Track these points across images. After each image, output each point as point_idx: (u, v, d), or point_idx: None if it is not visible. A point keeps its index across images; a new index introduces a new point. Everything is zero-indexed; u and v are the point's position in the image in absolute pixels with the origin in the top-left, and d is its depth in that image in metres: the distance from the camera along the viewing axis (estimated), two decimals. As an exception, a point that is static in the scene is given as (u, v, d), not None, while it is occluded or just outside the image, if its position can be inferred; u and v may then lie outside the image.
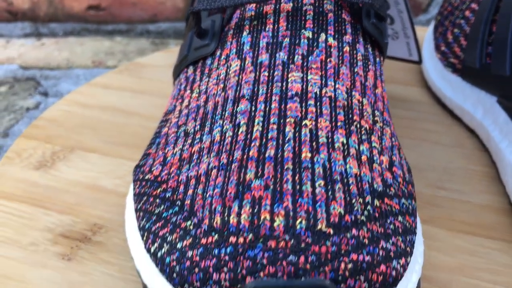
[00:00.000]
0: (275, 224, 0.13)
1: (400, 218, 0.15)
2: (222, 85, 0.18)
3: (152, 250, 0.15)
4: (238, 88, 0.17)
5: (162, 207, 0.16)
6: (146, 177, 0.18)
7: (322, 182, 0.14)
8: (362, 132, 0.16)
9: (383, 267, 0.13)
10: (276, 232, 0.13)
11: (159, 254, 0.15)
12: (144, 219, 0.16)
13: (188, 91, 0.19)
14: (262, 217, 0.13)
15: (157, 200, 0.16)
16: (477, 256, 0.20)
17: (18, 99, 0.37)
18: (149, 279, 0.15)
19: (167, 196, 0.16)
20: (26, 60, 0.42)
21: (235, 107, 0.16)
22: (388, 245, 0.14)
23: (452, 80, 0.29)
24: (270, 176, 0.14)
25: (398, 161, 0.17)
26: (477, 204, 0.23)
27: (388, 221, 0.14)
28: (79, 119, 0.30)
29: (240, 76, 0.17)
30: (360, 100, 0.17)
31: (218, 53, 0.19)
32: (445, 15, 0.32)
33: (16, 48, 0.44)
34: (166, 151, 0.18)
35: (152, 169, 0.18)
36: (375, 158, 0.16)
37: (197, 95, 0.19)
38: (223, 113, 0.16)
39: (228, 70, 0.18)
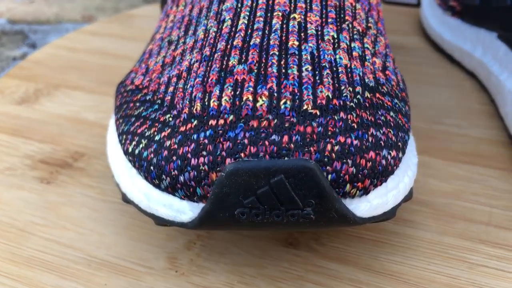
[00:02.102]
0: (258, 104, 0.12)
1: (392, 113, 0.14)
2: None
3: (130, 149, 0.14)
4: None
5: (142, 108, 0.15)
6: (128, 88, 0.17)
7: (309, 67, 0.13)
8: (354, 32, 0.15)
9: (372, 153, 0.12)
10: (258, 112, 0.12)
11: (136, 151, 0.14)
12: (123, 124, 0.15)
13: (174, 8, 0.18)
14: (244, 98, 0.12)
15: (137, 104, 0.15)
16: (473, 182, 0.19)
17: (5, 50, 0.36)
18: (126, 184, 0.14)
19: (147, 98, 0.15)
20: (15, 14, 0.41)
21: (221, 6, 0.15)
22: (378, 133, 0.13)
23: (452, 23, 0.28)
24: (255, 61, 0.13)
25: (392, 68, 0.16)
26: (474, 136, 0.22)
27: (380, 112, 0.13)
28: (65, 61, 0.29)
29: None
30: (353, 4, 0.16)
31: None
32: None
33: (5, 4, 0.43)
34: (148, 62, 0.17)
35: (134, 81, 0.17)
36: (367, 57, 0.15)
37: (183, 7, 0.18)
38: (208, 13, 0.16)
39: None
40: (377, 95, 0.14)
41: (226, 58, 0.13)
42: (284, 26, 0.14)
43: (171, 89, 0.14)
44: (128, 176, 0.14)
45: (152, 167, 0.13)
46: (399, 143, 0.13)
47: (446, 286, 0.15)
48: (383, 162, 0.13)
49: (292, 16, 0.14)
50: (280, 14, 0.14)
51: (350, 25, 0.15)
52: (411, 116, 0.23)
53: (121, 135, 0.15)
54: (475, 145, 0.21)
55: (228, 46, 0.14)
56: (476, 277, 0.15)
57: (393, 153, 0.13)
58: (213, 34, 0.15)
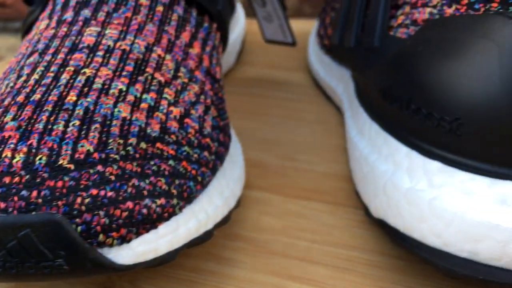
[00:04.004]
0: (14, 161, 0.13)
1: (171, 162, 0.15)
2: (27, 45, 0.17)
3: None
4: (36, 44, 0.17)
5: None
6: None
7: (77, 122, 0.14)
8: (153, 83, 0.16)
9: (129, 203, 0.13)
10: (13, 168, 0.13)
11: None
12: None
13: (14, 58, 0.19)
14: (3, 155, 0.13)
15: None
16: (303, 218, 0.20)
17: None
18: None
19: None
20: None
21: (26, 61, 0.16)
22: (142, 183, 0.14)
23: (325, 60, 0.30)
24: (25, 118, 0.14)
25: (198, 116, 0.17)
26: (320, 172, 0.23)
27: (152, 162, 0.14)
28: None
29: (43, 34, 0.17)
30: (162, 56, 0.17)
31: (40, 17, 0.19)
32: (328, 2, 0.33)
33: None
34: None
35: None
36: (161, 108, 0.16)
37: (15, 58, 0.18)
38: (15, 67, 0.16)
39: (37, 31, 0.18)
40: (158, 144, 0.15)
41: (5, 115, 0.14)
42: (71, 81, 0.15)
43: None
44: None
45: None
46: (173, 191, 0.14)
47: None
48: (144, 211, 0.13)
49: (83, 71, 0.15)
50: (72, 69, 0.15)
51: (150, 77, 0.16)
52: (270, 152, 0.24)
53: None
54: (319, 181, 0.22)
55: (12, 102, 0.14)
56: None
57: (160, 201, 0.14)
58: (8, 89, 0.15)
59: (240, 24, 0.34)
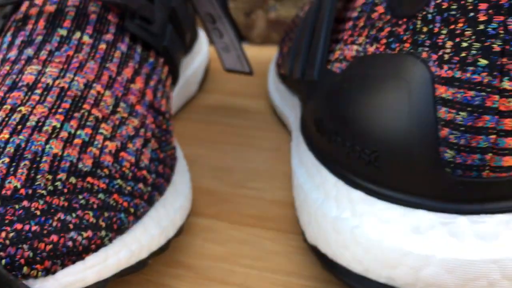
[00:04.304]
0: None
1: (101, 195, 0.15)
2: None
3: None
4: None
5: None
6: None
7: (7, 160, 0.15)
8: (89, 119, 0.17)
9: (54, 237, 0.14)
10: None
11: None
12: None
13: None
14: None
15: None
16: (245, 244, 0.21)
17: None
18: None
19: None
20: None
21: None
22: (68, 217, 0.14)
23: (281, 89, 0.31)
24: None
25: (135, 149, 0.18)
26: (267, 199, 0.24)
27: (80, 197, 0.15)
28: None
29: None
30: (101, 92, 0.18)
31: None
32: (287, 32, 0.34)
33: None
34: None
35: None
36: (95, 143, 0.16)
37: None
38: None
39: None
40: (88, 179, 0.15)
41: None
42: (6, 119, 0.16)
43: None
44: None
45: None
46: (102, 223, 0.15)
47: None
48: (69, 243, 0.14)
49: (19, 109, 0.16)
50: (9, 107, 0.16)
51: (87, 113, 0.17)
52: (222, 180, 0.25)
53: None
54: (265, 208, 0.23)
55: None
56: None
57: (87, 233, 0.15)
58: None
59: (202, 53, 0.35)
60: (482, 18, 0.14)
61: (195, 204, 0.23)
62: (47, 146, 0.15)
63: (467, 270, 0.15)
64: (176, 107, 0.32)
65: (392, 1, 0.18)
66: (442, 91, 0.15)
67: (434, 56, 0.15)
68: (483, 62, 0.14)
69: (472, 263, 0.15)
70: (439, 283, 0.15)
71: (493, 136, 0.14)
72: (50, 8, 0.20)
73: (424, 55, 0.15)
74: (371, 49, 0.18)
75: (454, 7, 0.14)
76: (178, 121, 0.31)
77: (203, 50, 0.36)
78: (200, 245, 0.21)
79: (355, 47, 0.19)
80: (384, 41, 0.17)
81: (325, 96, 0.19)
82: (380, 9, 0.19)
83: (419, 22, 0.15)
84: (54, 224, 0.14)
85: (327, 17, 0.23)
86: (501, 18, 0.14)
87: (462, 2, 0.14)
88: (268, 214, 0.22)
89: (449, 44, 0.14)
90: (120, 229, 0.16)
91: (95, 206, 0.15)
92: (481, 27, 0.14)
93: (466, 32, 0.14)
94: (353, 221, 0.16)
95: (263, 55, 0.42)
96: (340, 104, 0.18)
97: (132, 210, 0.16)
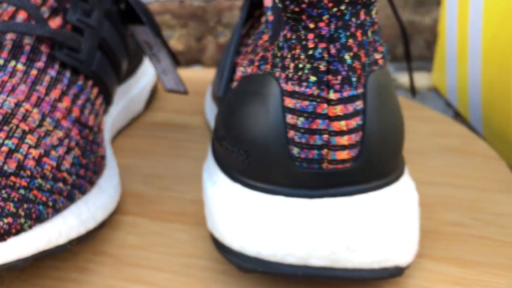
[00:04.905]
0: None
1: (22, 191, 0.19)
2: None
3: None
4: None
5: None
6: None
7: None
8: (16, 131, 0.21)
9: None
10: None
11: None
12: None
13: None
14: None
15: None
16: (161, 236, 0.24)
17: None
18: None
19: None
20: None
21: None
22: (5, 206, 0.18)
23: (213, 106, 0.35)
24: None
25: (58, 156, 0.21)
26: (188, 199, 0.27)
27: (3, 191, 0.19)
28: None
29: None
30: (30, 109, 0.22)
31: None
32: (224, 53, 0.39)
33: None
34: None
35: None
36: (21, 150, 0.20)
37: None
38: None
39: None
40: (11, 178, 0.19)
41: None
42: None
43: None
44: None
45: None
46: (21, 212, 0.19)
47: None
48: None
49: None
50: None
51: (15, 127, 0.21)
52: (151, 184, 0.29)
53: None
54: (185, 206, 0.27)
55: None
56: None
57: (8, 220, 0.18)
58: None
59: (147, 76, 0.39)
60: (310, 45, 0.18)
61: (123, 204, 0.27)
62: None
63: (313, 241, 0.19)
64: (121, 124, 0.36)
65: (274, 30, 0.22)
66: (288, 102, 0.19)
67: (283, 75, 0.19)
68: (313, 79, 0.18)
69: (318, 235, 0.19)
70: (289, 251, 0.19)
71: (326, 136, 0.18)
72: (-8, 41, 0.24)
73: (277, 74, 0.19)
74: (249, 70, 0.22)
75: (294, 37, 0.18)
76: (122, 136, 0.35)
77: (148, 73, 0.40)
78: (122, 237, 0.24)
79: (241, 68, 0.23)
80: (257, 63, 0.21)
81: (221, 109, 0.23)
82: (265, 37, 0.23)
83: (276, 48, 0.20)
84: None
85: (234, 42, 0.27)
86: (324, 45, 0.18)
87: (298, 33, 0.18)
88: (185, 211, 0.26)
89: (291, 65, 0.19)
90: (39, 219, 0.19)
91: (15, 199, 0.19)
92: (311, 52, 0.18)
93: (301, 56, 0.18)
94: (231, 206, 0.20)
95: (212, 76, 0.46)
96: (227, 115, 0.22)
97: (50, 203, 0.20)
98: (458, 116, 0.41)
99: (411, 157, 0.31)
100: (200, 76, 0.46)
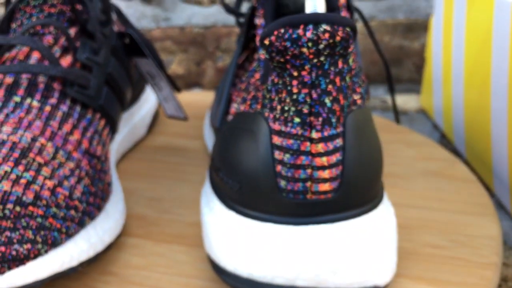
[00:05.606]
0: None
1: (39, 219, 0.21)
2: None
3: None
4: None
5: None
6: None
7: None
8: (33, 164, 0.23)
9: (2, 248, 0.20)
10: None
11: None
12: None
13: None
14: None
15: None
16: (162, 257, 0.27)
17: None
18: None
19: None
20: None
21: None
22: (13, 234, 0.20)
23: (210, 132, 0.37)
24: None
25: (70, 185, 0.24)
26: (187, 222, 0.30)
27: (23, 220, 0.21)
28: None
29: None
30: (45, 143, 0.24)
31: None
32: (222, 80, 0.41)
33: None
34: None
35: None
36: (38, 181, 0.22)
37: None
38: None
39: None
40: (30, 208, 0.21)
41: None
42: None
43: None
44: None
45: None
46: (39, 239, 0.21)
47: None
48: (13, 253, 0.20)
49: None
50: (-26, 157, 0.22)
51: (32, 160, 0.23)
52: (153, 208, 0.31)
53: None
54: (184, 228, 0.29)
55: None
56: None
57: (27, 246, 0.21)
58: None
59: (149, 103, 0.42)
60: (295, 90, 0.20)
61: (127, 226, 0.29)
62: (0, 185, 0.21)
63: (299, 264, 0.21)
64: (125, 148, 0.38)
65: (265, 69, 0.24)
66: (276, 139, 0.21)
67: (271, 116, 0.21)
68: (297, 120, 0.20)
69: (304, 259, 0.21)
70: (277, 273, 0.21)
71: (309, 170, 0.21)
72: (9, 80, 0.26)
73: (266, 114, 0.22)
74: (242, 108, 0.24)
75: (280, 82, 0.21)
76: (125, 160, 0.37)
77: (150, 100, 0.42)
78: (127, 258, 0.27)
79: (235, 105, 0.25)
80: (249, 102, 0.24)
81: (217, 142, 0.26)
82: (257, 75, 0.25)
83: (265, 90, 0.22)
84: (3, 239, 0.20)
85: (230, 75, 0.29)
86: (307, 90, 0.20)
87: (284, 80, 0.21)
88: (184, 233, 0.29)
89: (278, 107, 0.21)
90: (54, 244, 0.22)
91: (34, 227, 0.21)
92: (295, 96, 0.20)
93: (287, 100, 0.21)
94: (225, 231, 0.23)
95: (212, 100, 0.48)
96: (222, 149, 0.24)
97: (64, 230, 0.22)
98: (444, 138, 0.43)
99: (395, 181, 0.33)
100: (200, 100, 0.48)
